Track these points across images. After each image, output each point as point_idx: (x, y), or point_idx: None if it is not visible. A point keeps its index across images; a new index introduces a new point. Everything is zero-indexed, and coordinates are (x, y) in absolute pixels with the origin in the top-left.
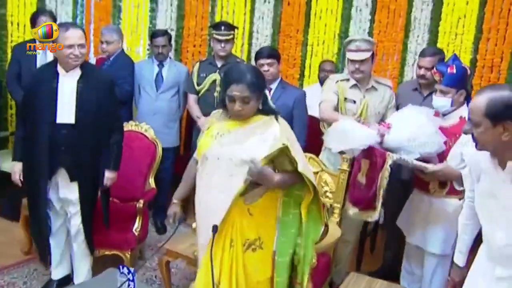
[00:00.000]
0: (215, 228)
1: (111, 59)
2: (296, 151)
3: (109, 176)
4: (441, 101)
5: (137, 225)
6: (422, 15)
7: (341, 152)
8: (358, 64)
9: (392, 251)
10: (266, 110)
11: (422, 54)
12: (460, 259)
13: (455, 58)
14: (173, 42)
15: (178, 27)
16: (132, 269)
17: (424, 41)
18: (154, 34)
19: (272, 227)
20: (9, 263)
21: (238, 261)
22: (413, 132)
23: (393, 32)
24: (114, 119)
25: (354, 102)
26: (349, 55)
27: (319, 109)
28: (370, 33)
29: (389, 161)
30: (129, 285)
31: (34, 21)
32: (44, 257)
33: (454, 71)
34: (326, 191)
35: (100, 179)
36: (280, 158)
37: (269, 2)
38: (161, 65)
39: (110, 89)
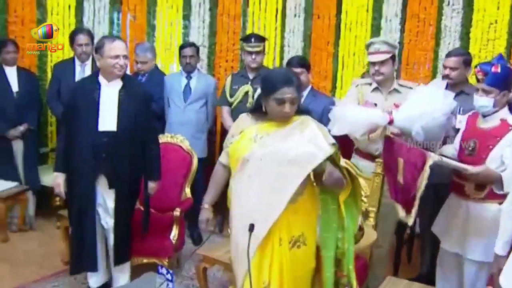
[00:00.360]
0: (252, 227)
1: (146, 75)
2: None
3: (152, 185)
4: (483, 100)
5: (174, 233)
6: (453, 22)
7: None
8: (378, 65)
9: (429, 258)
10: (299, 111)
11: (448, 54)
12: (500, 248)
13: (501, 57)
14: (205, 58)
15: (211, 43)
16: (171, 271)
17: None
18: (181, 46)
19: (313, 223)
20: (50, 272)
21: (286, 259)
22: (424, 103)
23: (424, 41)
24: (150, 131)
25: (376, 105)
26: (369, 58)
27: None
28: (401, 43)
29: (429, 162)
30: (168, 285)
31: (72, 40)
32: (85, 265)
33: (499, 70)
34: (361, 196)
35: (137, 189)
36: None
37: (299, 16)
38: (189, 76)
39: (147, 102)
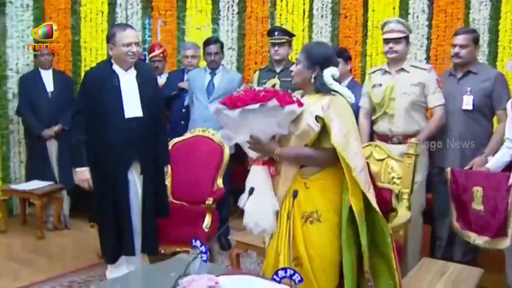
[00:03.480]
0: (295, 193)
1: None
2: (340, 126)
3: (166, 170)
4: None
5: (207, 222)
6: (481, 15)
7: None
8: (392, 43)
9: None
10: (318, 88)
11: (456, 33)
12: None
13: None
14: (234, 60)
15: (239, 46)
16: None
17: (485, 41)
18: (206, 42)
19: (330, 201)
20: (86, 265)
21: (297, 233)
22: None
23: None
24: (163, 115)
25: (380, 85)
26: (383, 36)
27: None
28: (429, 38)
29: None
30: (202, 257)
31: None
32: (123, 251)
33: None
34: (393, 177)
35: (163, 173)
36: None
37: (326, 17)
38: (213, 73)
39: (157, 85)
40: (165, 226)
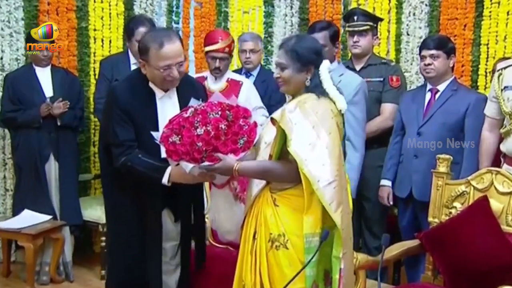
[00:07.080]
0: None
1: (253, 74)
2: (303, 131)
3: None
4: None
5: None
6: None
7: None
8: None
9: None
10: (312, 90)
11: None
12: None
13: None
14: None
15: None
16: None
17: None
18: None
19: (301, 224)
20: None
21: (262, 258)
22: None
23: None
24: None
25: None
26: None
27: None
28: None
29: None
30: None
31: (131, 31)
32: None
33: None
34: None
35: (203, 221)
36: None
37: None
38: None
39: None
40: (205, 277)
